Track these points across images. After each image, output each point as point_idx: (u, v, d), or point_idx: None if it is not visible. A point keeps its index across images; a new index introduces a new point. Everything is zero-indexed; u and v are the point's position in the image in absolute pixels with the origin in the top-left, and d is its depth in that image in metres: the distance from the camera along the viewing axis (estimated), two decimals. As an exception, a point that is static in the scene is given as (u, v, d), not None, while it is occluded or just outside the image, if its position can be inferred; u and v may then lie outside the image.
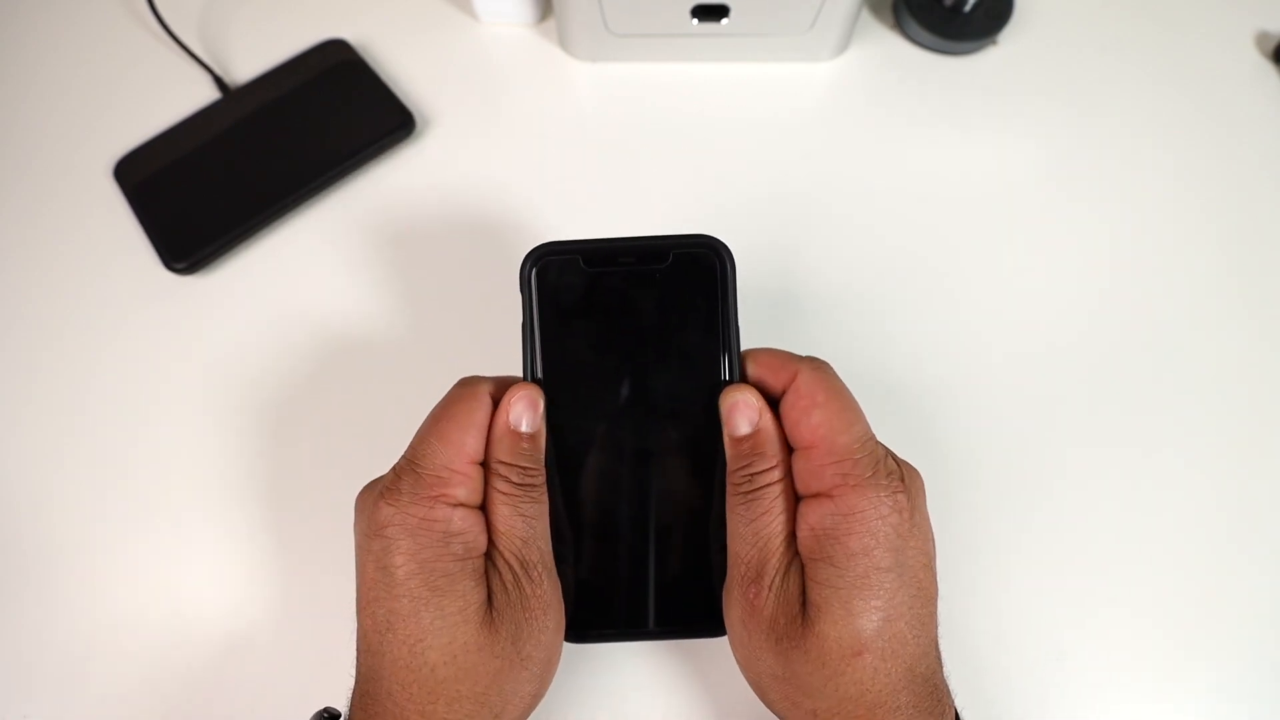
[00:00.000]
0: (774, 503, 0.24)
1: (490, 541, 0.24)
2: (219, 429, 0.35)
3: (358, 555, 0.24)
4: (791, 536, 0.24)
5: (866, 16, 0.44)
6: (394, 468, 0.25)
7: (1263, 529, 0.33)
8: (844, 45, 0.42)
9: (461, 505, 0.24)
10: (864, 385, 0.29)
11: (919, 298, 0.37)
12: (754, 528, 0.24)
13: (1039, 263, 0.38)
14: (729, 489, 0.25)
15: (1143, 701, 0.31)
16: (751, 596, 0.23)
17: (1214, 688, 0.31)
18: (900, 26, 0.44)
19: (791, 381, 0.24)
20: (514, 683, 0.24)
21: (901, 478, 0.23)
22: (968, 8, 0.42)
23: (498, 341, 0.36)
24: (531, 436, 0.25)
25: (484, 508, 0.25)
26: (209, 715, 0.31)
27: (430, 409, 0.25)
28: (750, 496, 0.24)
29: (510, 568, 0.24)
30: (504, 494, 0.24)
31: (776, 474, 0.24)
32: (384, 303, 0.37)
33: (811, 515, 0.23)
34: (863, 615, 0.22)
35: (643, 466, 0.26)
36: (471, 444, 0.24)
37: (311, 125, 0.40)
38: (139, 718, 0.31)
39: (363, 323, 0.37)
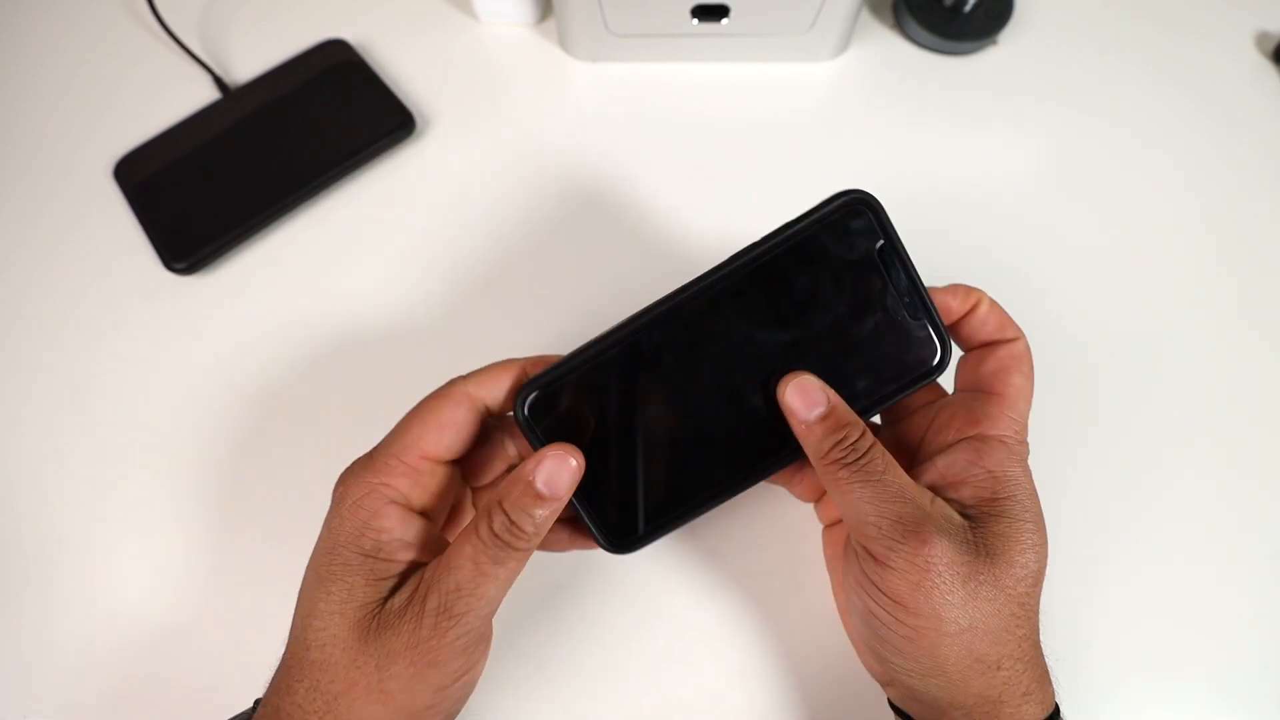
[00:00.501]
0: (887, 456, 0.24)
1: (430, 566, 0.23)
2: (219, 428, 0.35)
3: None
4: (917, 484, 0.24)
5: (866, 16, 0.44)
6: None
7: (1263, 529, 0.33)
8: (844, 45, 0.42)
9: (399, 503, 0.24)
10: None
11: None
12: (884, 484, 0.23)
13: (1039, 262, 0.38)
14: (830, 470, 0.24)
15: (1142, 702, 0.30)
16: (921, 550, 0.22)
17: (1213, 688, 0.31)
18: (900, 26, 0.44)
19: (1009, 342, 0.26)
20: (366, 710, 0.22)
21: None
22: (968, 8, 0.42)
23: (498, 342, 0.36)
24: (542, 498, 0.23)
25: (436, 516, 0.25)
26: (210, 714, 0.31)
27: None
28: (863, 462, 0.23)
29: (424, 601, 0.22)
30: (474, 538, 0.22)
31: (869, 434, 0.24)
32: (384, 302, 0.37)
33: (989, 459, 0.24)
34: (1037, 547, 0.24)
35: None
36: (430, 439, 0.24)
37: (311, 125, 0.40)
38: (139, 717, 0.31)
39: (362, 322, 0.37)
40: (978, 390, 0.26)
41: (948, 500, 0.24)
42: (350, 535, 0.23)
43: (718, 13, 0.39)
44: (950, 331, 0.26)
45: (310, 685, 0.22)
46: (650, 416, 0.25)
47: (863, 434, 0.24)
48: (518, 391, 0.24)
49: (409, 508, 0.24)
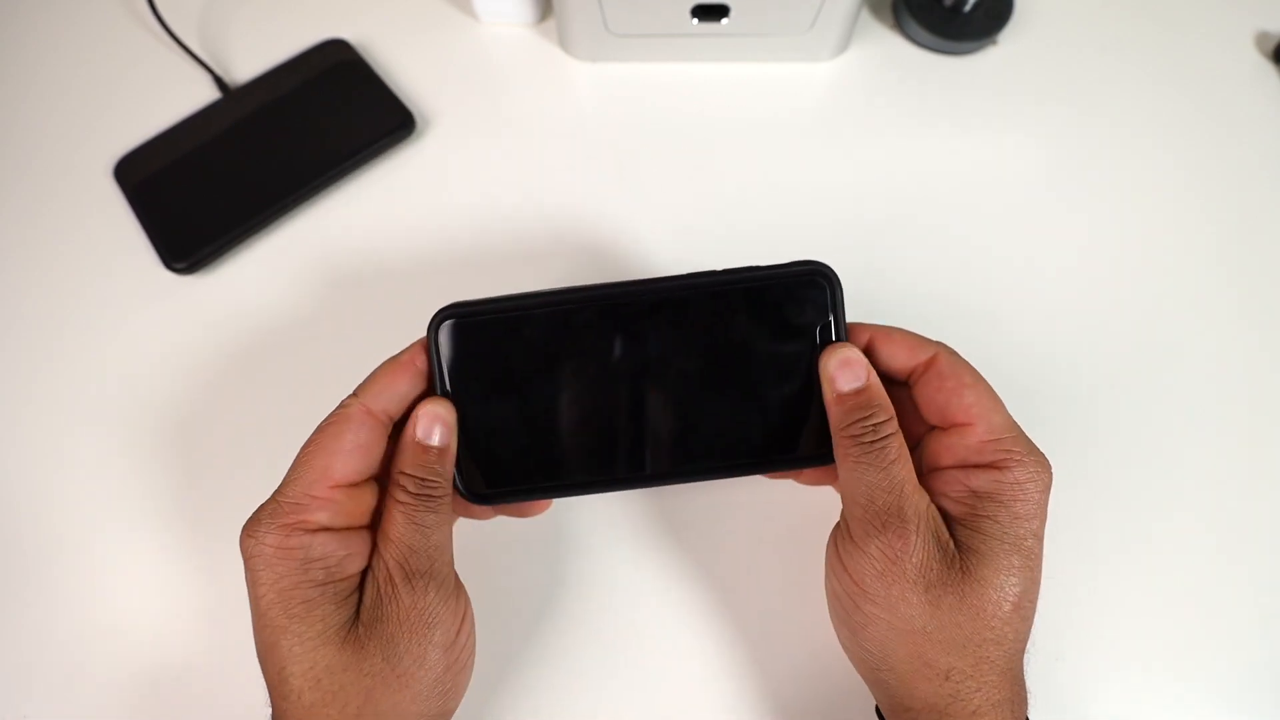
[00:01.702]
0: (902, 450, 0.24)
1: (378, 551, 0.24)
2: (219, 428, 0.35)
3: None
4: (921, 487, 0.24)
5: (866, 16, 0.44)
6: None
7: (1263, 528, 0.33)
8: (844, 45, 0.42)
9: (324, 530, 0.23)
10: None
11: (918, 297, 0.37)
12: (889, 473, 0.23)
13: (1039, 262, 0.38)
14: (844, 444, 0.24)
15: (1141, 703, 0.30)
16: (896, 543, 0.23)
17: (1212, 689, 0.31)
18: (900, 26, 0.44)
19: (929, 364, 0.25)
20: (392, 702, 0.23)
21: (1043, 461, 0.24)
22: (967, 8, 0.42)
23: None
24: (440, 451, 0.24)
25: (377, 524, 0.25)
26: (210, 714, 0.31)
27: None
28: (877, 445, 0.24)
29: (391, 578, 0.23)
30: (400, 503, 0.24)
31: (894, 424, 0.24)
32: (383, 302, 0.37)
33: (974, 480, 0.24)
34: (1017, 572, 0.23)
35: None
36: (338, 468, 0.23)
37: (311, 125, 0.40)
38: (138, 717, 0.31)
39: (362, 322, 0.37)
40: (949, 425, 0.25)
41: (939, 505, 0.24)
42: (294, 580, 0.23)
43: (718, 13, 0.39)
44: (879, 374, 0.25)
45: None
46: (550, 385, 0.25)
47: (888, 419, 0.24)
48: (433, 316, 0.25)
49: (334, 530, 0.24)
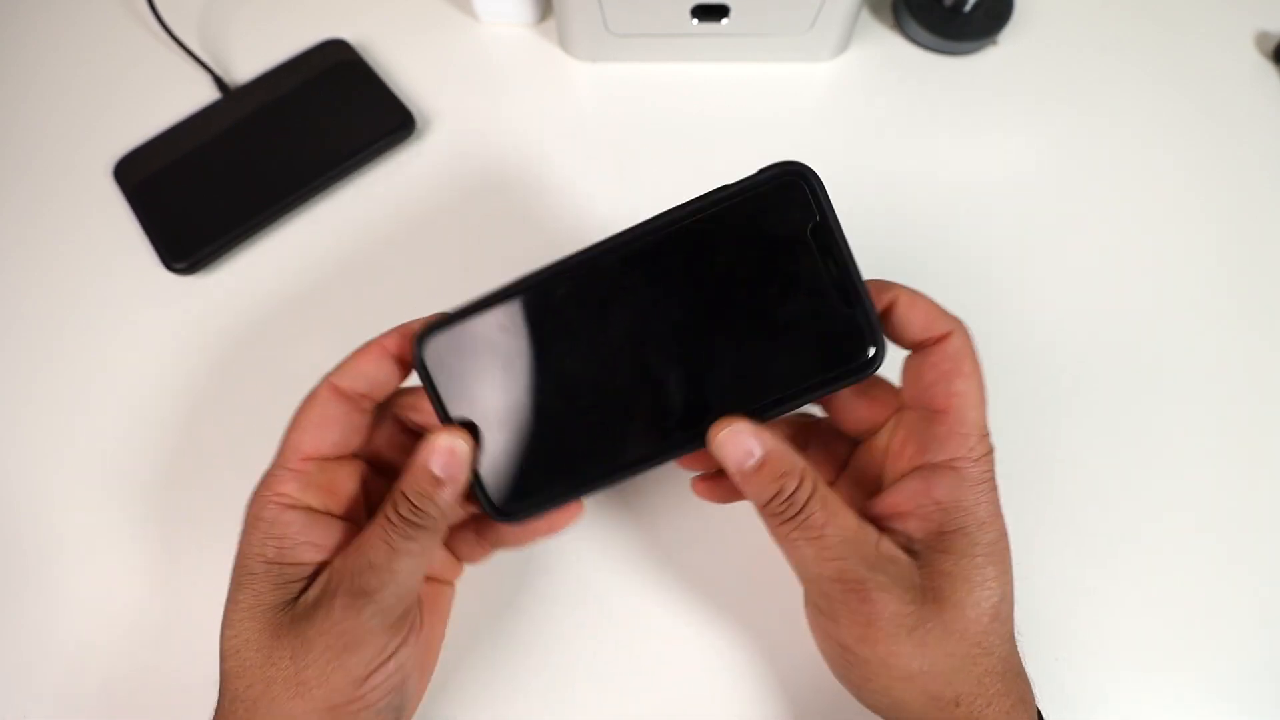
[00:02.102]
0: (832, 506, 0.22)
1: (340, 555, 0.23)
2: (219, 429, 0.35)
3: None
4: (864, 525, 0.23)
5: (866, 16, 0.44)
6: None
7: (1262, 529, 0.33)
8: (844, 45, 0.42)
9: (295, 506, 0.24)
10: (864, 385, 0.29)
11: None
12: (824, 541, 0.22)
13: (1039, 261, 0.38)
14: (770, 523, 0.23)
15: (1140, 704, 0.30)
16: (863, 609, 0.22)
17: (1212, 689, 0.31)
18: (900, 26, 0.44)
19: (941, 340, 0.23)
20: (285, 705, 0.22)
21: (987, 441, 0.24)
22: (968, 8, 0.42)
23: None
24: (441, 483, 0.23)
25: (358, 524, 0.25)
26: (207, 715, 0.31)
27: None
28: (803, 518, 0.22)
29: (332, 585, 0.22)
30: (385, 518, 0.23)
31: (809, 481, 0.22)
32: (384, 303, 0.37)
33: (938, 489, 0.23)
34: (993, 582, 0.23)
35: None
36: (308, 440, 0.24)
37: (311, 125, 0.40)
38: (138, 717, 0.31)
39: (363, 322, 0.37)
40: (923, 407, 0.24)
41: (896, 531, 0.23)
42: (254, 548, 0.23)
43: (718, 13, 0.39)
44: (890, 336, 0.24)
45: (231, 696, 0.23)
46: (552, 374, 0.24)
47: (800, 483, 0.22)
48: (414, 338, 0.24)
49: (313, 510, 0.24)
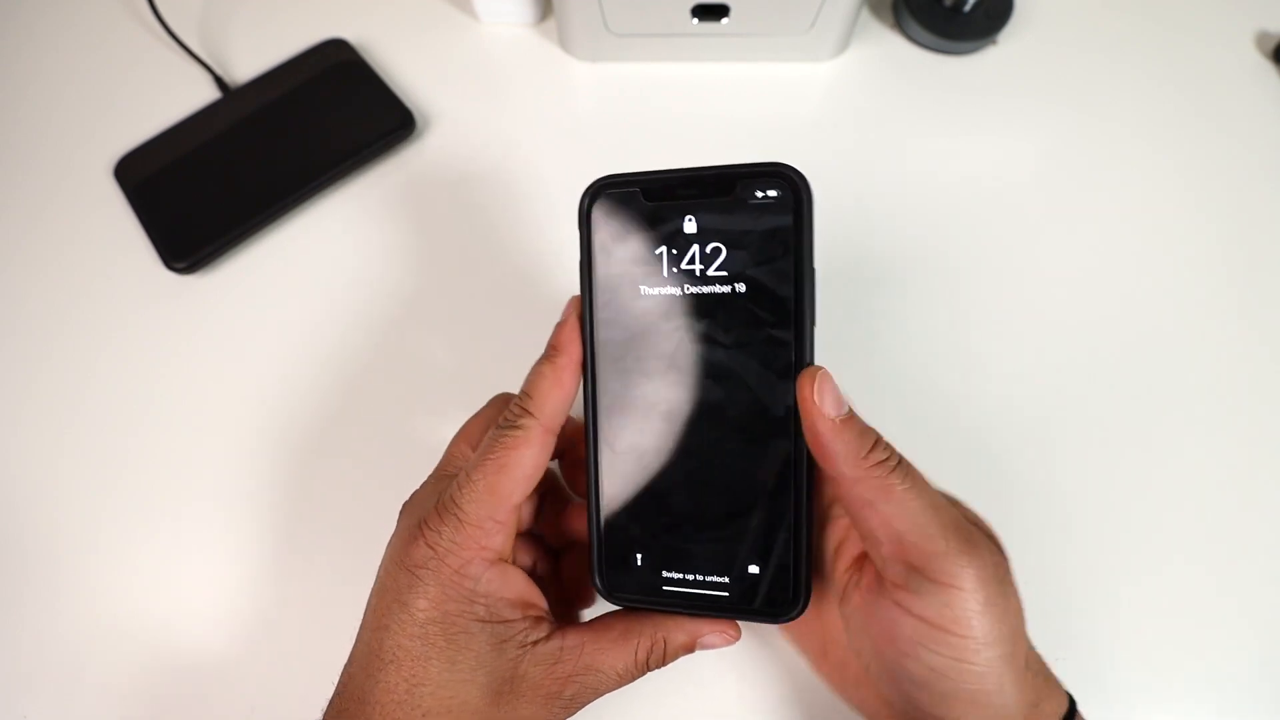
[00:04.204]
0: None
1: (574, 649, 0.23)
2: (218, 429, 0.35)
3: (381, 575, 0.23)
4: None
5: (866, 16, 0.44)
6: (439, 501, 0.23)
7: (1264, 529, 0.33)
8: (844, 45, 0.42)
9: (497, 562, 0.23)
10: (862, 385, 0.29)
11: (918, 296, 0.37)
12: (930, 489, 0.21)
13: (1038, 261, 0.38)
14: (873, 477, 0.21)
15: (1140, 703, 0.30)
16: (991, 556, 0.21)
17: (1213, 688, 0.31)
18: (900, 26, 0.44)
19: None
20: None
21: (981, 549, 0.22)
22: (967, 8, 0.42)
23: (499, 342, 0.36)
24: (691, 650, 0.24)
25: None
26: (210, 713, 0.31)
27: (463, 421, 0.26)
28: (905, 466, 0.21)
29: (562, 685, 0.23)
30: (634, 657, 0.23)
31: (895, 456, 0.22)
32: (384, 302, 0.37)
33: (930, 608, 0.21)
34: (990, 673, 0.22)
35: (699, 429, 0.23)
36: (519, 494, 0.23)
37: (312, 125, 0.40)
38: (138, 717, 0.31)
39: (363, 322, 0.37)
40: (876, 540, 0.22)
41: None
42: (461, 604, 0.22)
43: (718, 12, 0.39)
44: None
45: None
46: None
47: (879, 436, 0.22)
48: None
49: (503, 562, 0.23)
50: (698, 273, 0.22)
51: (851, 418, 0.21)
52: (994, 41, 0.43)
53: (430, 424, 0.31)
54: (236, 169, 0.39)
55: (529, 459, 0.23)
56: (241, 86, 0.41)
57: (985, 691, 0.21)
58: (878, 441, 0.21)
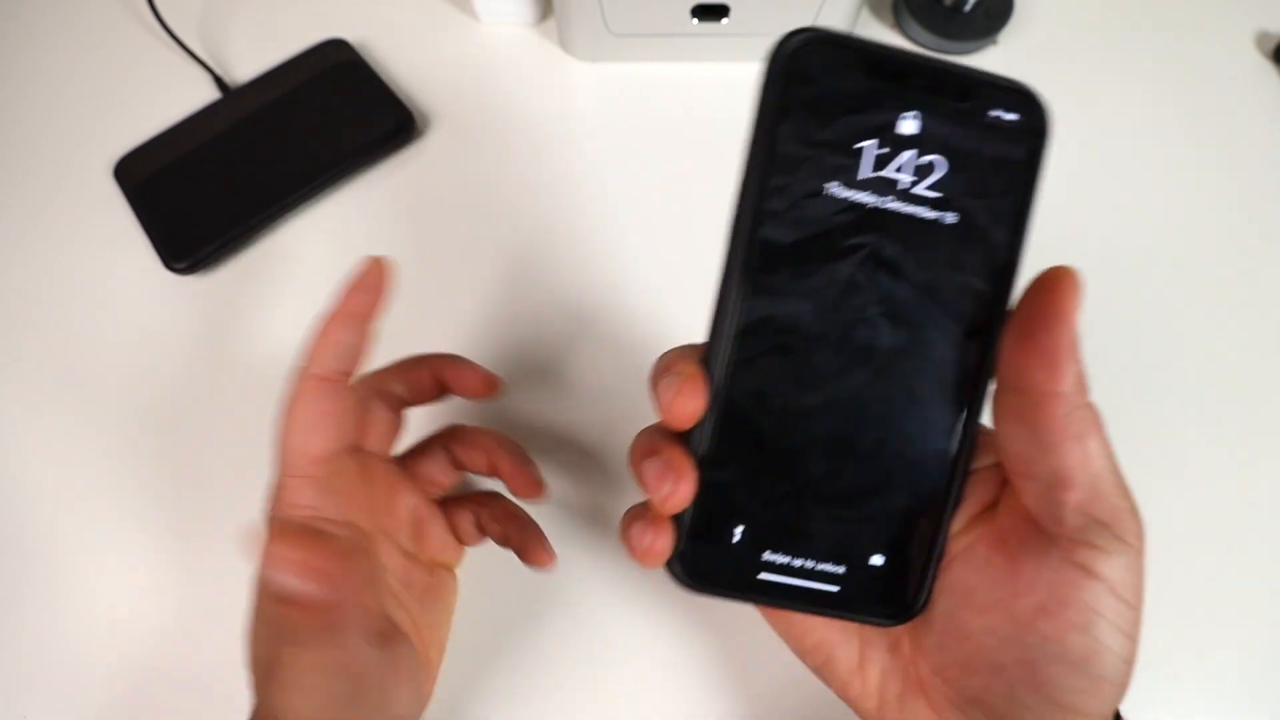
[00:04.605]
0: None
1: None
2: (219, 428, 0.35)
3: None
4: None
5: (866, 16, 0.44)
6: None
7: (1264, 530, 0.33)
8: (844, 45, 0.42)
9: (320, 517, 0.24)
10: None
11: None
12: (1109, 452, 0.19)
13: (1036, 262, 0.38)
14: (1063, 413, 0.18)
15: (1138, 703, 0.30)
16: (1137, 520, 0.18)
17: (1211, 688, 0.31)
18: (900, 26, 0.44)
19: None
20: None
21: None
22: (967, 7, 0.42)
23: (499, 341, 0.36)
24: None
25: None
26: (210, 714, 0.31)
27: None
28: (1097, 414, 0.18)
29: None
30: None
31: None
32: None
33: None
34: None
35: (855, 378, 0.19)
36: (315, 441, 0.24)
37: (312, 125, 0.40)
38: (139, 717, 0.31)
39: (363, 322, 0.37)
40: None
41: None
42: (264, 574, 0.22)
43: (718, 12, 0.39)
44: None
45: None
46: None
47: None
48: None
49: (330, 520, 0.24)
50: (905, 185, 0.18)
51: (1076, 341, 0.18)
52: (994, 41, 0.43)
53: (430, 423, 0.31)
54: (236, 169, 0.39)
55: (302, 411, 0.24)
56: (241, 87, 0.41)
57: (1125, 680, 0.19)
58: (1080, 359, 0.18)
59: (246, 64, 0.42)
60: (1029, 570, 0.19)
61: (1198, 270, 0.38)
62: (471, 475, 0.30)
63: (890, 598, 0.20)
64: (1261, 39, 0.43)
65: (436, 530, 0.28)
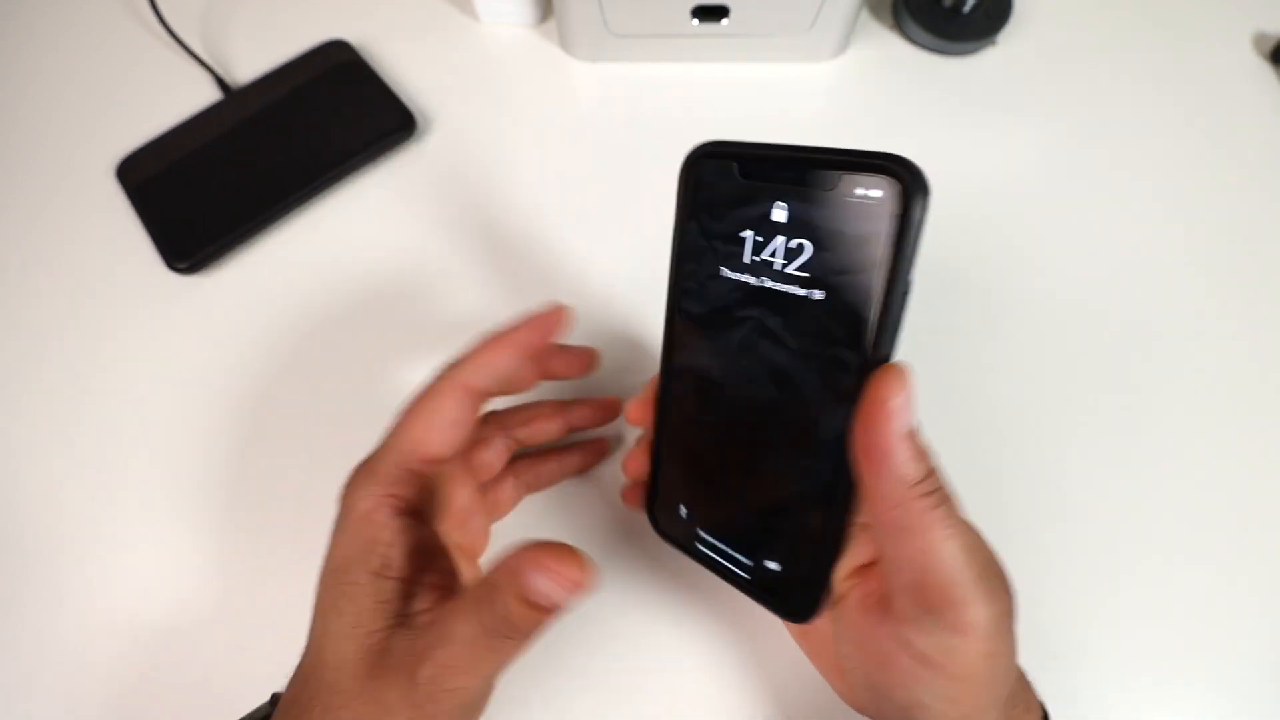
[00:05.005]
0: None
1: (429, 617, 0.22)
2: (220, 428, 0.35)
3: None
4: None
5: (866, 17, 0.44)
6: (368, 455, 0.24)
7: (1263, 530, 0.33)
8: (844, 45, 0.42)
9: (403, 513, 0.23)
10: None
11: (916, 297, 0.37)
12: (967, 524, 0.20)
13: (1036, 261, 0.38)
14: (918, 504, 0.19)
15: (1137, 703, 0.31)
16: (1005, 599, 0.20)
17: (1207, 687, 0.31)
18: (900, 27, 0.44)
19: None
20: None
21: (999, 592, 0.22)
22: (967, 8, 0.42)
23: (499, 341, 0.36)
24: (548, 614, 0.20)
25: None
26: (211, 714, 0.31)
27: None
28: (948, 497, 0.20)
29: (418, 663, 0.21)
30: (476, 616, 0.20)
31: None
32: (386, 302, 0.37)
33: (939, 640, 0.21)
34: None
35: (752, 422, 0.22)
36: (434, 442, 0.23)
37: (313, 125, 0.40)
38: (138, 717, 0.31)
39: (364, 322, 0.37)
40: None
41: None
42: (359, 552, 0.22)
43: (718, 13, 0.39)
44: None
45: (324, 707, 0.22)
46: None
47: (933, 464, 0.20)
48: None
49: (411, 514, 0.23)
50: (778, 267, 0.20)
51: (915, 435, 0.19)
52: (993, 42, 0.43)
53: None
54: (238, 169, 0.39)
55: (441, 410, 0.23)
56: (243, 87, 0.41)
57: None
58: (931, 471, 0.19)
59: (248, 65, 0.43)
60: (872, 629, 0.22)
61: (1195, 270, 0.38)
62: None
63: (786, 600, 0.23)
64: (1259, 40, 0.43)
65: (478, 521, 0.28)
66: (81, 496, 0.34)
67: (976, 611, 0.19)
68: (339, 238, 0.39)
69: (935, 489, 0.19)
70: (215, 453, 0.35)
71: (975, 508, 0.33)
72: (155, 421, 0.35)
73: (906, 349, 0.37)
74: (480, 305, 0.37)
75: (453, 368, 0.24)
